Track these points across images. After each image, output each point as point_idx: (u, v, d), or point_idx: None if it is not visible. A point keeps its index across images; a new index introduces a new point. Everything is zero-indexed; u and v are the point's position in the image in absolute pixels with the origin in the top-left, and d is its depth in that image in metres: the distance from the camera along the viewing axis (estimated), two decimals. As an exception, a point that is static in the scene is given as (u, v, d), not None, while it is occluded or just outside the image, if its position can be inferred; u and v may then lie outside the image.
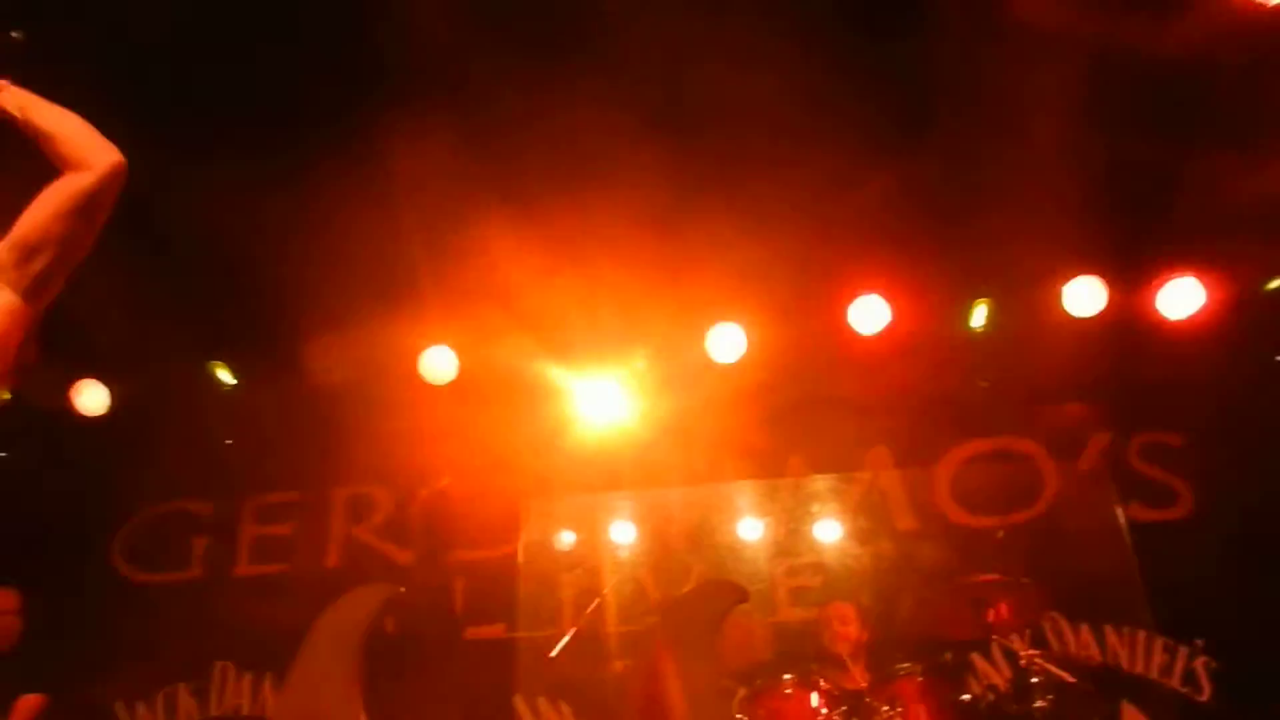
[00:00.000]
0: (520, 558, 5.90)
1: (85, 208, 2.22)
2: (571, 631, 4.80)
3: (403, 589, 3.65)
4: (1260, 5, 4.25)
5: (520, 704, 5.59)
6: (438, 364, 5.78)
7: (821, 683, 4.56)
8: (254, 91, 4.47)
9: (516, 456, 5.82)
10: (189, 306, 5.41)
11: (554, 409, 5.77)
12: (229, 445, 6.21)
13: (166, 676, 5.79)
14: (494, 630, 5.73)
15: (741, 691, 4.62)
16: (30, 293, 2.18)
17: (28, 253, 2.17)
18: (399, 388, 5.81)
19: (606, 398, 5.74)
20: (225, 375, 6.03)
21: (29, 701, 4.25)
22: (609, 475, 5.93)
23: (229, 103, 4.47)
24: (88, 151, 2.24)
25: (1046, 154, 4.79)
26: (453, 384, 5.79)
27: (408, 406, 5.79)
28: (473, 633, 5.70)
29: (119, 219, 4.79)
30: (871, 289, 5.64)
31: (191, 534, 6.19)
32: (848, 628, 4.95)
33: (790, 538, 6.06)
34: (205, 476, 6.19)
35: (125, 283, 4.96)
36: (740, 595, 5.00)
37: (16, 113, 2.31)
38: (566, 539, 6.08)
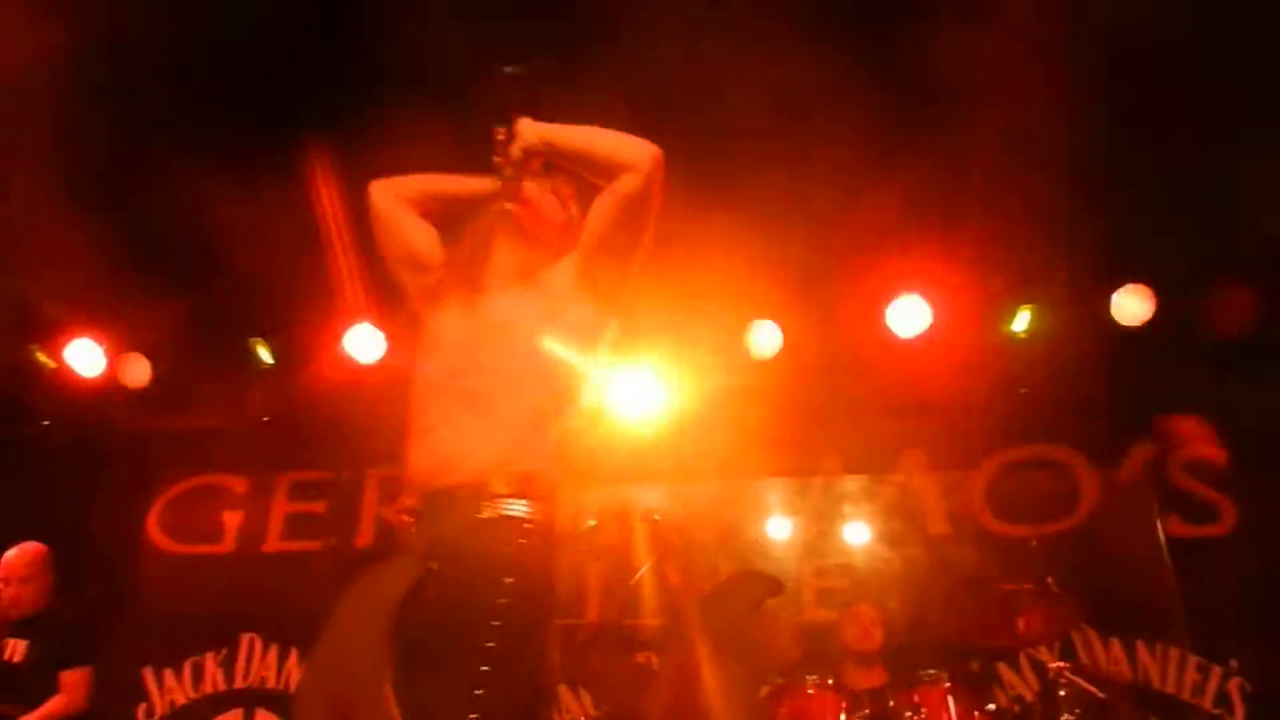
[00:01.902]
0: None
1: (637, 208, 2.23)
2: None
3: (434, 565, 3.64)
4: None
5: (564, 693, 5.60)
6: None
7: (844, 684, 4.53)
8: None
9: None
10: (231, 285, 5.49)
11: (587, 398, 5.75)
12: (266, 422, 6.27)
13: (194, 646, 5.88)
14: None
15: (764, 690, 4.60)
16: (609, 295, 2.29)
17: (598, 263, 2.26)
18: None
19: (639, 388, 5.72)
20: (265, 354, 6.08)
21: (75, 676, 4.29)
22: (639, 467, 5.91)
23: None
24: (626, 154, 2.23)
25: (1099, 155, 4.71)
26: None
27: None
28: (497, 618, 5.71)
29: (164, 198, 4.87)
30: (913, 290, 5.57)
31: (225, 508, 6.27)
32: (869, 627, 4.92)
33: (820, 538, 6.01)
34: (241, 452, 6.26)
35: (171, 260, 5.08)
36: (774, 587, 4.98)
37: (543, 146, 2.32)
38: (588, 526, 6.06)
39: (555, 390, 2.19)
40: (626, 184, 2.21)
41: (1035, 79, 4.29)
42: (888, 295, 5.60)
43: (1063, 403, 5.87)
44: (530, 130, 2.32)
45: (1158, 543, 5.71)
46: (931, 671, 4.52)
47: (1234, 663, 5.39)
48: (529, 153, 2.33)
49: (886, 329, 5.62)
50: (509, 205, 2.36)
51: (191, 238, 5.01)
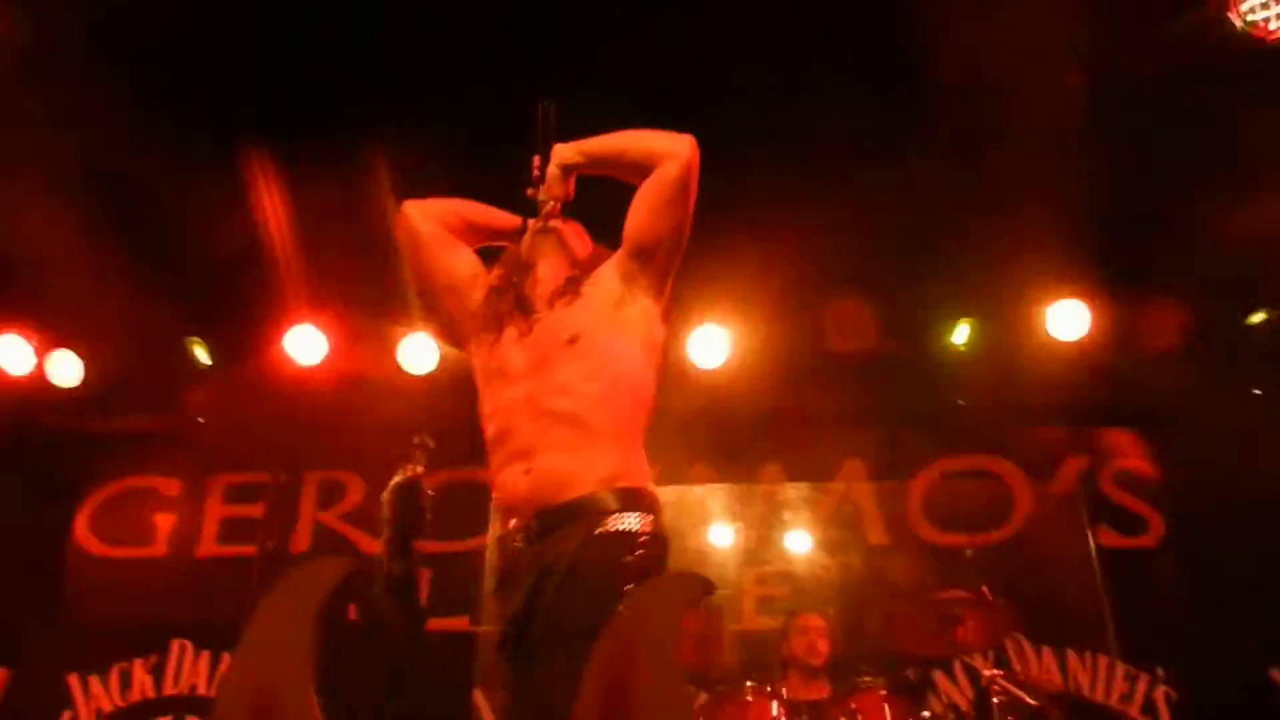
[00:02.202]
0: (488, 552, 5.86)
1: (679, 194, 2.31)
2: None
3: (360, 565, 3.59)
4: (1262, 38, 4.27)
5: (480, 698, 5.56)
6: (417, 353, 5.74)
7: (783, 692, 4.54)
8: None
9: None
10: (172, 282, 5.38)
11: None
12: (201, 423, 6.14)
13: (122, 652, 5.72)
14: (458, 623, 5.69)
15: (702, 697, 4.59)
16: (657, 291, 2.37)
17: (646, 256, 2.33)
18: (377, 375, 5.78)
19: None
20: (202, 353, 5.96)
21: None
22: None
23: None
24: (661, 146, 2.33)
25: (1038, 174, 4.81)
26: (432, 374, 5.75)
27: (386, 395, 5.75)
28: (436, 625, 5.66)
29: (105, 192, 4.77)
30: (855, 300, 5.64)
31: (157, 510, 6.12)
32: (817, 639, 4.91)
33: (760, 545, 6.04)
34: (176, 454, 6.13)
35: (108, 255, 4.96)
36: (706, 587, 4.95)
37: (581, 159, 2.44)
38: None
39: (639, 398, 2.30)
40: (667, 171, 2.30)
41: (982, 99, 4.38)
42: (833, 306, 5.66)
43: (999, 415, 5.98)
44: (565, 149, 2.44)
45: (1089, 553, 5.84)
46: (868, 679, 4.55)
47: (1160, 671, 5.52)
48: (567, 169, 2.43)
49: (831, 337, 5.68)
50: (552, 223, 2.43)
51: (128, 232, 4.91)
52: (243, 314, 5.77)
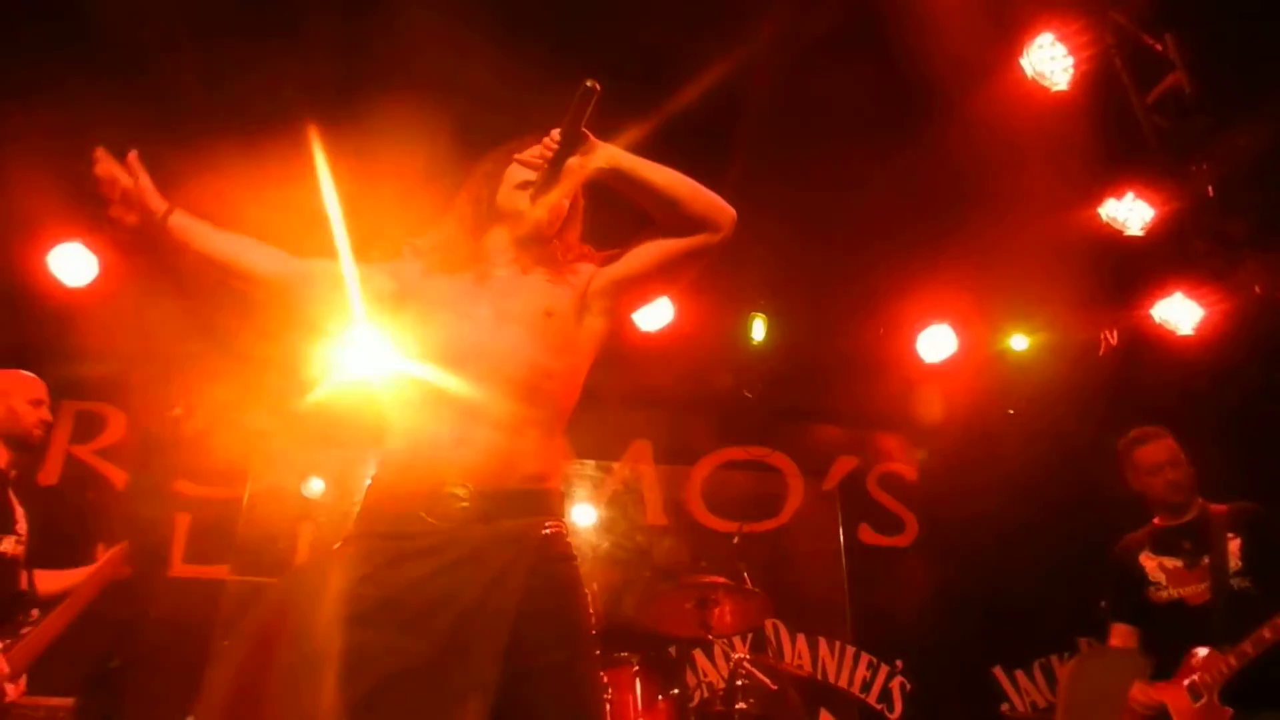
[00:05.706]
0: (245, 501, 5.61)
1: (699, 263, 2.26)
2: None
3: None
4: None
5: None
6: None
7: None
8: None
9: (265, 395, 5.52)
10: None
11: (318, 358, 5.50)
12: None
13: None
14: (211, 571, 5.44)
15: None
16: (614, 319, 2.31)
17: (624, 289, 2.28)
18: (149, 301, 5.42)
19: (369, 354, 5.50)
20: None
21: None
22: (366, 430, 5.71)
23: None
24: (712, 212, 2.22)
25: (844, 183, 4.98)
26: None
27: (155, 325, 5.40)
28: (186, 571, 5.39)
29: None
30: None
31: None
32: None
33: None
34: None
35: None
36: None
37: (611, 170, 2.21)
38: (314, 487, 5.83)
39: (571, 400, 2.22)
40: (706, 241, 2.22)
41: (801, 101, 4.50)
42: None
43: (783, 410, 6.20)
44: (604, 151, 2.20)
45: (841, 550, 6.18)
46: (624, 654, 4.64)
47: (899, 663, 5.90)
48: (590, 171, 2.19)
49: (631, 322, 5.72)
50: (537, 212, 2.22)
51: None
52: (5, 223, 5.29)
